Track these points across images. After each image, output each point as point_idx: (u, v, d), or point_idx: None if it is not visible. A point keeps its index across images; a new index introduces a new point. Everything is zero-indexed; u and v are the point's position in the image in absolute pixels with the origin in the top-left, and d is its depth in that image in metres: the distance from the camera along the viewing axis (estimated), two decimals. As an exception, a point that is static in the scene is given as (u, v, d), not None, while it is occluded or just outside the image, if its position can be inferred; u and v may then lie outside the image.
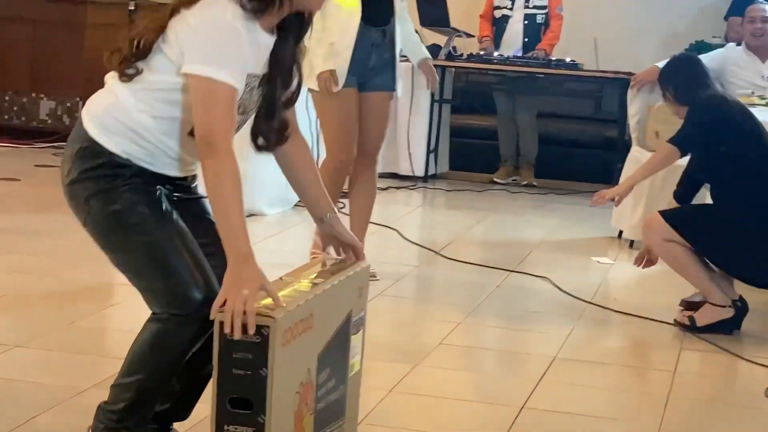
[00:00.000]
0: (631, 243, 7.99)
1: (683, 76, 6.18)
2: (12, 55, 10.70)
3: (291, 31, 3.38)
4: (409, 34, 6.71)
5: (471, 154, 10.81)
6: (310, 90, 6.35)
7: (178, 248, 3.28)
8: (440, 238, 7.98)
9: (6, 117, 10.86)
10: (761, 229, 5.84)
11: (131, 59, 3.25)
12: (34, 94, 10.79)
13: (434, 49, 10.21)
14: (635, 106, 8.35)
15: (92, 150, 3.27)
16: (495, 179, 10.52)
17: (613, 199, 6.22)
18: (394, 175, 10.04)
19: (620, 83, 9.29)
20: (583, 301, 6.53)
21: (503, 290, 6.74)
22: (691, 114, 5.95)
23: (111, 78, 3.34)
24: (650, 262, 6.27)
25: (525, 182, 10.49)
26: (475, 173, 10.69)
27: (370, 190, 6.63)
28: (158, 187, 3.35)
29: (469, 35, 10.53)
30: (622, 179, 8.27)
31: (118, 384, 3.34)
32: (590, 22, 10.35)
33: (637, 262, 6.35)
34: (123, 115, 3.27)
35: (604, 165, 9.82)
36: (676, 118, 6.26)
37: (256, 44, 3.25)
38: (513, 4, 10.45)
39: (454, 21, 10.35)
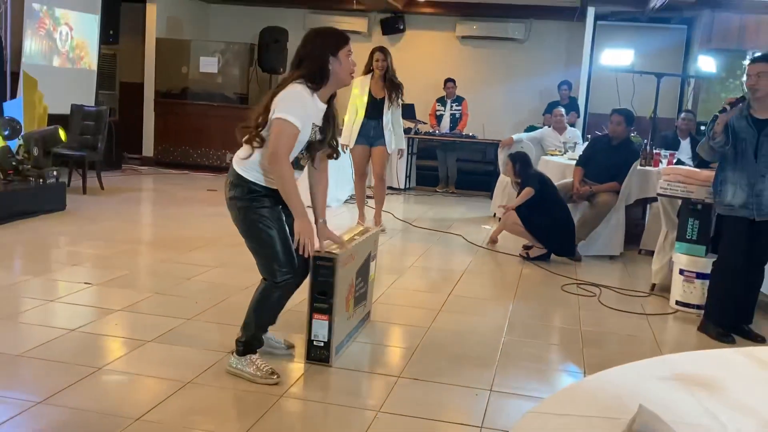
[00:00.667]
0: (499, 219, 7.96)
1: (521, 162, 6.30)
2: (212, 131, 10.69)
3: (331, 101, 3.21)
4: (399, 128, 6.74)
5: (426, 178, 10.75)
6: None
7: (280, 244, 3.07)
8: (411, 216, 7.97)
9: (210, 161, 10.85)
10: (553, 229, 6.02)
11: (259, 130, 3.04)
12: (222, 150, 10.78)
13: (407, 130, 10.19)
14: (501, 156, 8.33)
15: (240, 181, 3.09)
16: (437, 190, 10.45)
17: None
18: (390, 187, 9.90)
19: (495, 145, 9.21)
20: (477, 245, 6.54)
21: (440, 240, 6.76)
22: (528, 179, 6.15)
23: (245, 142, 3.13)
24: (494, 243, 6.54)
25: (451, 192, 10.40)
26: (427, 187, 10.60)
27: (382, 194, 6.85)
28: (280, 205, 3.12)
29: (424, 123, 10.48)
30: (495, 191, 8.26)
31: (244, 324, 3.21)
32: (481, 116, 10.32)
33: (489, 242, 6.57)
34: (254, 162, 3.07)
35: (487, 183, 9.73)
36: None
37: (316, 107, 3.09)
38: (445, 108, 10.42)
39: (418, 115, 10.33)
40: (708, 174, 4.65)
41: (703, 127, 8.07)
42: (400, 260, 5.93)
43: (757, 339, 4.16)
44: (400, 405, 2.99)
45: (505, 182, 8.01)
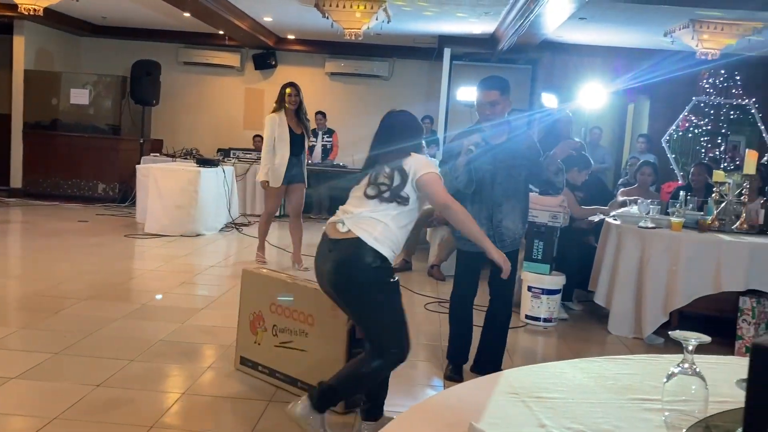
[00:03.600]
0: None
1: None
2: (83, 162, 10.23)
3: None
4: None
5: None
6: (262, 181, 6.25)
7: (406, 322, 2.78)
8: (286, 242, 7.83)
9: (81, 191, 10.32)
10: None
11: (399, 191, 2.78)
12: (95, 180, 10.30)
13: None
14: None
15: (377, 257, 2.69)
16: (311, 216, 10.34)
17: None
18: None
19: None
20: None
21: (310, 263, 6.66)
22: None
23: (376, 209, 2.75)
24: None
25: (324, 218, 10.33)
26: (303, 215, 10.46)
27: (301, 232, 6.57)
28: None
29: (297, 153, 10.44)
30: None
31: (334, 384, 2.74)
32: (351, 147, 10.42)
33: None
34: (388, 235, 2.74)
35: None
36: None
37: None
38: (316, 140, 10.46)
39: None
40: (551, 200, 4.92)
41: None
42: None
43: None
44: (274, 427, 2.93)
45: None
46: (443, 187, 2.83)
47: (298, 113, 6.26)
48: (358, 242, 2.69)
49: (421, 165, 2.81)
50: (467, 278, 3.81)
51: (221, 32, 10.61)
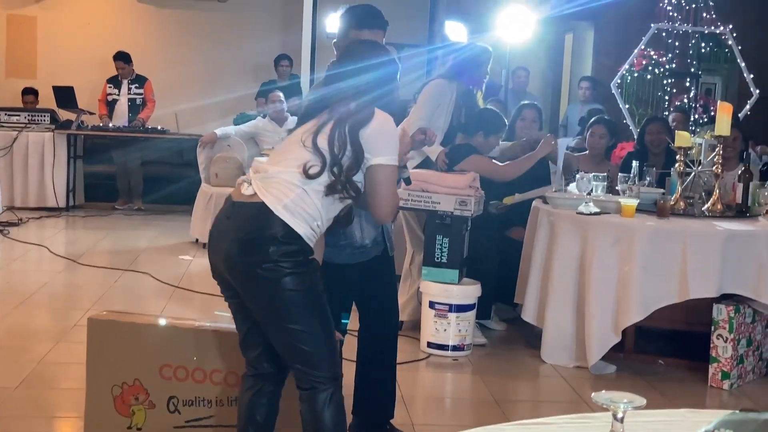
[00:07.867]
0: (204, 245, 7.90)
1: None
2: None
3: None
4: None
5: (98, 190, 10.39)
6: None
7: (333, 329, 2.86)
8: (78, 250, 7.62)
9: None
10: None
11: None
12: None
13: (67, 123, 9.81)
14: (202, 157, 8.32)
15: (284, 227, 2.70)
16: (116, 207, 10.17)
17: None
18: (43, 208, 9.52)
19: (194, 141, 8.99)
20: (173, 286, 6.45)
21: (121, 283, 6.55)
22: None
23: (295, 175, 2.75)
24: None
25: (136, 207, 10.17)
26: (102, 203, 10.22)
27: None
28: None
29: (91, 113, 10.14)
30: (197, 206, 8.16)
31: None
32: (173, 101, 10.26)
33: None
34: (305, 205, 2.75)
35: (185, 195, 9.41)
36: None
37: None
38: (119, 91, 10.21)
39: (81, 103, 10.00)
40: (458, 179, 5.00)
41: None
42: (62, 316, 5.65)
43: None
44: None
45: (209, 194, 7.97)
46: (395, 192, 2.90)
47: None
48: (260, 208, 2.72)
49: (380, 144, 2.82)
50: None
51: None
